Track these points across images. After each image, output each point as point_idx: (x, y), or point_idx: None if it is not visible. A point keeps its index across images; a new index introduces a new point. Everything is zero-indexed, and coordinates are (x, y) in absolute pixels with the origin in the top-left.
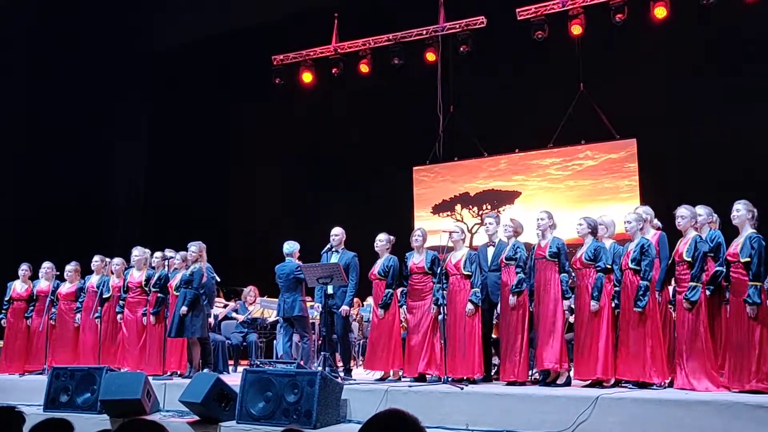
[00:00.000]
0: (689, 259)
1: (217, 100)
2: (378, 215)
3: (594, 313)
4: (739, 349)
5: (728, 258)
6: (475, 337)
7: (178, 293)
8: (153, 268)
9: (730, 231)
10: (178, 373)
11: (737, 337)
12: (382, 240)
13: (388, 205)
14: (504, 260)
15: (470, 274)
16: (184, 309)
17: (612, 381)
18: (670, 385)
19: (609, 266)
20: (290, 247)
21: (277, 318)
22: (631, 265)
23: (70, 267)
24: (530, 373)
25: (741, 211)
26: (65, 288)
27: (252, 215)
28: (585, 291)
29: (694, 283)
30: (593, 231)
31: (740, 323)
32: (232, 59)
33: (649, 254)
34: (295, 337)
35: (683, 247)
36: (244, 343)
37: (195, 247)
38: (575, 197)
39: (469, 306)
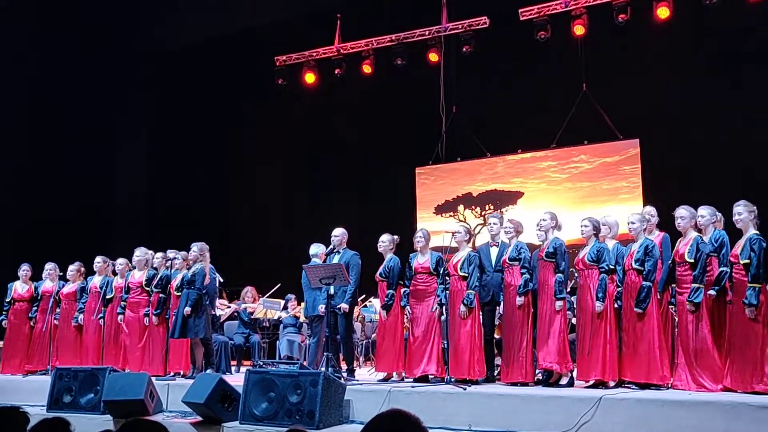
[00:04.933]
0: (691, 261)
1: (218, 100)
2: (380, 216)
3: (597, 314)
4: (741, 351)
5: (731, 259)
6: (472, 339)
7: (179, 294)
8: (154, 268)
9: (735, 231)
10: (181, 373)
11: (740, 338)
12: (384, 241)
13: (391, 205)
14: (507, 261)
15: (466, 275)
16: (187, 310)
17: (614, 382)
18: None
19: (612, 267)
20: (315, 249)
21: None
22: (634, 266)
23: (73, 267)
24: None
25: (743, 213)
26: (67, 288)
27: (252, 216)
28: (587, 292)
29: (696, 285)
30: (597, 232)
31: (742, 324)
32: (234, 60)
33: (652, 255)
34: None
35: (684, 248)
36: (247, 344)
37: (197, 248)
38: (576, 198)
39: (462, 308)
